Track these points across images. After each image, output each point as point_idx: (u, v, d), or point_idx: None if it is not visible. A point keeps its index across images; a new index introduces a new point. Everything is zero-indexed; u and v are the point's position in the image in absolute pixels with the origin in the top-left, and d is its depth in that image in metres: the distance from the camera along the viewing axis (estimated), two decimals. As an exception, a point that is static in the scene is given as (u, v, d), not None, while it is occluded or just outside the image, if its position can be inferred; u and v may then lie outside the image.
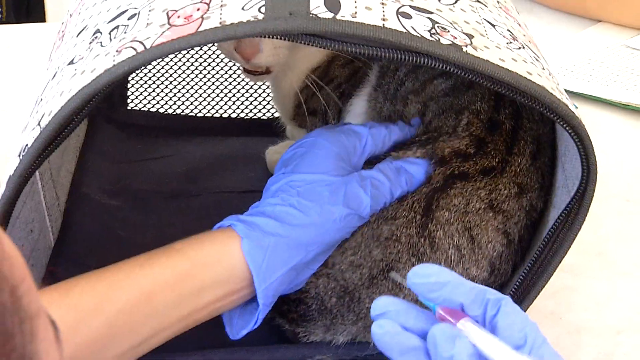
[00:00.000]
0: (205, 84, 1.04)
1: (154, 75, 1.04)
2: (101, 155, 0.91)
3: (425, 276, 0.52)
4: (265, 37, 0.54)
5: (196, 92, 1.03)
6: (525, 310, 0.65)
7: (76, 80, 0.56)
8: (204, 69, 1.04)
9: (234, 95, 1.04)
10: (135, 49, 0.54)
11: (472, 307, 0.51)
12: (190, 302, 0.61)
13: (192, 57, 1.04)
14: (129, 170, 0.90)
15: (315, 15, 0.54)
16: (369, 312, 0.59)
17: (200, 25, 0.54)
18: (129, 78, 1.02)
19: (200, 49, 1.04)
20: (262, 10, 0.54)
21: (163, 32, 0.54)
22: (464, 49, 0.56)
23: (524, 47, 0.60)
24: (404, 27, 0.55)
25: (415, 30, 0.55)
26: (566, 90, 1.05)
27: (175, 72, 1.04)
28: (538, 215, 0.70)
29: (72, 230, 0.79)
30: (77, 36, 0.62)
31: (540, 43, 0.73)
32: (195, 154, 0.93)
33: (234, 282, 0.62)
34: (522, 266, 0.68)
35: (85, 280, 0.60)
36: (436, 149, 0.68)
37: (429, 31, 0.56)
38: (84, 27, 0.62)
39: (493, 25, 0.60)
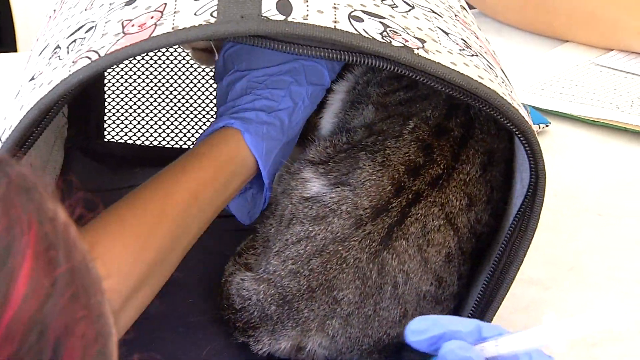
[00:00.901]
0: (181, 115, 1.03)
1: (130, 107, 1.04)
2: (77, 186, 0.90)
3: (421, 332, 0.54)
4: (216, 40, 0.55)
5: (172, 123, 1.03)
6: (490, 322, 0.65)
7: (35, 94, 0.57)
8: (182, 97, 1.04)
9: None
10: (90, 58, 0.55)
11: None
12: (222, 195, 0.70)
13: (171, 85, 1.04)
14: (105, 198, 0.89)
15: (267, 17, 0.55)
16: (307, 319, 0.63)
17: (154, 31, 0.55)
18: (106, 110, 1.02)
19: (180, 79, 1.04)
20: (214, 14, 0.55)
21: (117, 40, 0.55)
22: (416, 51, 0.56)
23: (477, 55, 0.61)
24: (355, 29, 0.56)
25: (366, 32, 0.56)
26: (537, 108, 1.07)
27: (151, 104, 1.04)
28: (482, 227, 0.70)
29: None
30: (39, 55, 0.63)
31: (509, 62, 0.74)
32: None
33: (246, 171, 0.72)
34: (476, 277, 0.68)
35: (144, 193, 0.67)
36: (385, 158, 0.68)
37: (381, 34, 0.56)
38: (46, 45, 0.62)
39: (446, 34, 0.61)
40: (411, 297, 0.67)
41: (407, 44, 0.56)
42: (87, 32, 0.59)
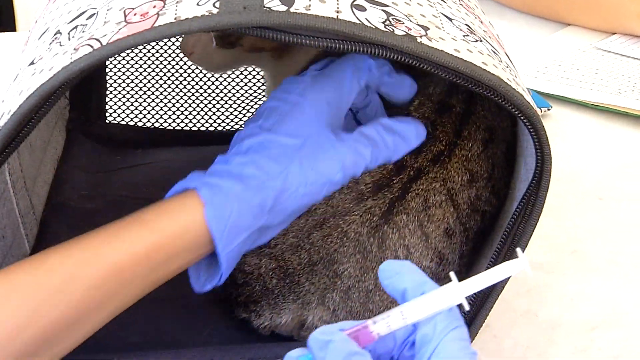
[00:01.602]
0: (183, 97, 1.03)
1: (132, 89, 1.03)
2: (78, 167, 0.90)
3: (386, 278, 0.50)
4: (218, 31, 0.55)
5: (174, 105, 1.02)
6: (493, 305, 0.65)
7: (35, 79, 0.56)
8: (185, 79, 1.03)
9: (214, 107, 1.03)
10: (92, 46, 0.54)
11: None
12: (159, 271, 0.60)
13: (173, 67, 1.03)
14: (105, 178, 0.89)
15: (269, 8, 0.54)
16: (308, 292, 0.60)
17: (156, 21, 0.54)
18: (107, 92, 1.01)
19: (182, 61, 1.03)
20: (217, 5, 0.54)
21: (120, 29, 0.55)
22: (419, 39, 0.56)
23: (481, 41, 0.60)
24: (357, 18, 0.55)
25: (369, 21, 0.55)
26: (539, 92, 1.06)
27: (153, 85, 1.03)
28: (484, 205, 0.69)
29: (48, 238, 0.78)
30: (38, 39, 0.62)
31: (511, 45, 0.73)
32: (172, 163, 0.92)
33: (199, 248, 0.61)
34: (479, 260, 0.67)
35: (54, 257, 0.58)
36: None
37: (383, 22, 0.56)
38: (46, 30, 0.62)
39: (450, 19, 0.60)
40: None
41: (410, 32, 0.56)
42: (88, 18, 0.58)
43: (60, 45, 0.57)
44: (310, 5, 0.54)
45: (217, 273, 0.62)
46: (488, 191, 0.69)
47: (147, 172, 0.91)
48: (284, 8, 0.54)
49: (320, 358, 0.47)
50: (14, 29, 1.65)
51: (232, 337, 0.69)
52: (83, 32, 0.56)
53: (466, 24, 0.61)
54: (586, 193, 0.90)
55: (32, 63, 0.58)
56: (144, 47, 1.04)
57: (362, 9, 0.56)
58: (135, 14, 0.55)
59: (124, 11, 0.56)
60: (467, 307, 0.48)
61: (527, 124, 0.58)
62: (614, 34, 1.18)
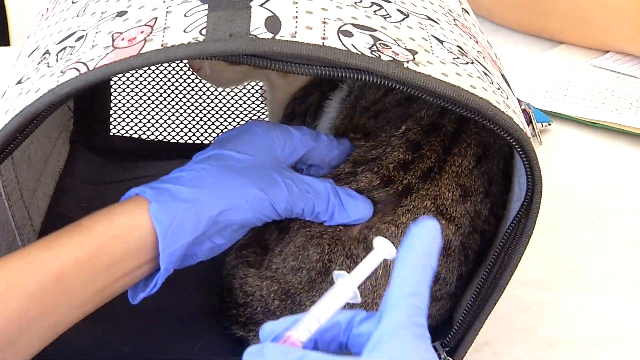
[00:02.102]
0: (186, 110, 1.03)
1: (136, 102, 1.03)
2: (80, 179, 0.90)
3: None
4: (205, 58, 0.54)
5: (177, 118, 1.02)
6: (482, 325, 0.65)
7: (21, 100, 0.56)
8: (188, 92, 1.03)
9: (217, 120, 1.02)
10: (78, 70, 0.54)
11: None
12: (103, 277, 0.59)
13: (177, 80, 1.03)
14: (106, 190, 0.89)
15: (255, 36, 0.54)
16: None
17: (143, 47, 0.54)
18: (111, 104, 1.01)
19: (185, 74, 1.03)
20: (204, 32, 0.54)
21: (107, 54, 0.54)
22: (405, 64, 0.55)
23: (472, 63, 0.60)
24: (344, 45, 0.55)
25: (355, 47, 0.55)
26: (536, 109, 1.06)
27: (157, 98, 1.03)
28: (483, 224, 0.69)
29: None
30: (28, 56, 0.62)
31: (506, 63, 0.72)
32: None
33: (145, 252, 0.60)
34: (472, 279, 0.67)
35: None
36: (382, 167, 0.68)
37: (370, 48, 0.56)
38: (36, 48, 0.62)
39: (441, 42, 0.60)
40: None
41: (396, 57, 0.56)
42: (77, 40, 0.58)
43: (48, 66, 0.57)
44: (296, 32, 0.54)
45: (152, 281, 0.61)
46: (487, 208, 0.69)
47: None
48: (270, 35, 0.54)
49: None
50: (7, 44, 1.65)
51: (224, 351, 0.69)
52: (71, 54, 0.56)
53: (458, 46, 0.61)
54: (584, 210, 0.90)
55: (19, 82, 0.58)
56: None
57: (349, 34, 0.56)
58: (122, 39, 0.55)
59: (112, 35, 0.56)
60: (359, 299, 0.50)
61: (516, 146, 0.58)
62: (607, 52, 1.18)
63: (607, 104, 1.07)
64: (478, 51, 0.63)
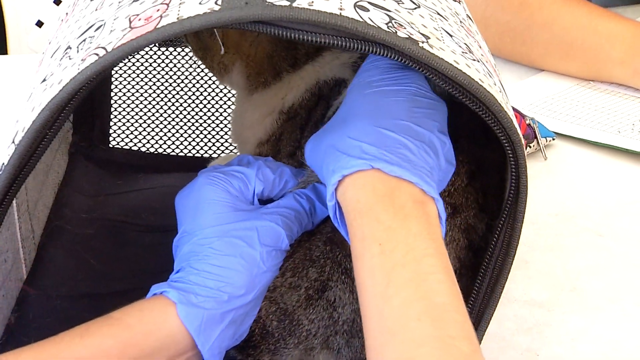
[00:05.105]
0: (187, 123, 1.01)
1: (136, 114, 1.00)
2: (79, 191, 0.87)
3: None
4: (221, 27, 0.53)
5: (177, 131, 1.00)
6: (479, 343, 0.62)
7: (46, 94, 0.54)
8: (188, 105, 1.01)
9: (217, 134, 1.00)
10: (98, 55, 0.52)
11: None
12: None
13: (177, 93, 1.01)
14: (105, 202, 0.87)
15: (271, 3, 0.52)
16: (309, 334, 0.58)
17: (159, 23, 0.52)
18: (112, 116, 0.99)
19: (186, 87, 1.00)
20: (219, 2, 0.52)
21: (124, 35, 0.53)
22: (420, 44, 0.53)
23: (478, 61, 0.58)
24: (361, 17, 0.53)
25: (372, 21, 0.53)
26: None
27: (157, 111, 1.01)
28: (480, 238, 0.66)
29: (45, 262, 0.75)
30: (51, 57, 0.60)
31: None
32: (173, 188, 0.89)
33: (175, 347, 0.59)
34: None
35: (26, 355, 0.55)
36: None
37: (386, 24, 0.54)
38: (57, 48, 0.60)
39: (450, 35, 0.58)
40: None
41: (412, 36, 0.54)
42: (96, 30, 0.56)
43: (70, 58, 0.55)
44: (313, 2, 0.53)
45: None
46: (484, 224, 0.66)
47: (147, 197, 0.88)
48: (287, 3, 0.52)
49: None
50: (5, 52, 1.63)
51: None
52: (91, 43, 0.55)
53: (465, 43, 0.59)
54: (586, 230, 0.87)
55: (44, 80, 0.57)
56: (149, 73, 1.02)
57: (365, 9, 0.54)
58: (139, 19, 0.54)
59: (129, 18, 0.55)
60: None
61: (508, 149, 0.57)
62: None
63: (609, 124, 1.04)
64: (481, 54, 0.62)
